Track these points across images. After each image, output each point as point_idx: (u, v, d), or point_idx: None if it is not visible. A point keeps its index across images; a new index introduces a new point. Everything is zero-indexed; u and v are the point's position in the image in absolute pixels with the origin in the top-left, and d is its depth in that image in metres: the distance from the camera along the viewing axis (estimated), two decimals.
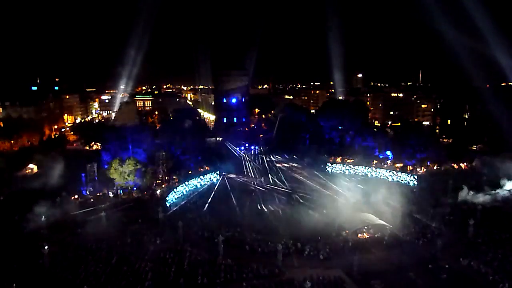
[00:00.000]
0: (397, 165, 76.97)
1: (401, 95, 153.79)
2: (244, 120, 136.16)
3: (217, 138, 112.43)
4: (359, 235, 47.92)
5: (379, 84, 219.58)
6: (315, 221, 51.86)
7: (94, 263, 40.27)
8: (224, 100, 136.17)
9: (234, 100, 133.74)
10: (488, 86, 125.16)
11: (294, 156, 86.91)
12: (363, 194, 61.58)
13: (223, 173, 73.52)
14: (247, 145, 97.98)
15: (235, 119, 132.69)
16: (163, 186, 67.00)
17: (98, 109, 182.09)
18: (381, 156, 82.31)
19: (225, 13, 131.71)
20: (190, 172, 73.06)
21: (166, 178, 69.63)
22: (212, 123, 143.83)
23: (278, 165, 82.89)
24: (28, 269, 38.98)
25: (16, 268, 38.99)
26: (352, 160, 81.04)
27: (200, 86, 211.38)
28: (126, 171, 63.33)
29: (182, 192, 64.38)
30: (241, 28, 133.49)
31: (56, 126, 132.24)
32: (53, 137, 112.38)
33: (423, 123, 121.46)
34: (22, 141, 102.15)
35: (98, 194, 62.71)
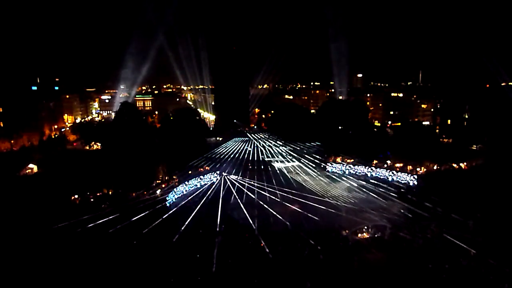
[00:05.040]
0: (397, 165, 77.00)
1: (401, 95, 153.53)
2: (244, 120, 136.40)
3: (217, 138, 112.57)
4: (359, 235, 47.97)
5: (379, 84, 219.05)
6: (315, 221, 51.90)
7: (94, 263, 40.31)
8: (224, 100, 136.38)
9: (234, 100, 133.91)
10: (488, 86, 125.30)
11: (294, 155, 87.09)
12: (362, 194, 61.71)
13: (223, 173, 73.63)
14: (247, 145, 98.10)
15: (235, 119, 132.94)
16: (163, 186, 67.02)
17: (98, 109, 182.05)
18: (381, 156, 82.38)
19: (226, 13, 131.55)
20: (190, 172, 73.13)
21: (166, 178, 69.66)
22: (212, 123, 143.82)
23: (277, 165, 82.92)
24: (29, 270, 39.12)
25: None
26: (352, 160, 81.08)
27: (200, 86, 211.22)
28: None
29: (182, 192, 64.52)
30: (242, 29, 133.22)
31: (56, 126, 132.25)
32: (53, 137, 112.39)
33: (423, 123, 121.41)
34: (22, 141, 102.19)
35: (98, 194, 62.72)
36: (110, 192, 62.98)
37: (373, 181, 69.68)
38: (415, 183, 67.58)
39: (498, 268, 38.97)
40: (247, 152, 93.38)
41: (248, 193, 64.76)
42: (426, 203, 56.76)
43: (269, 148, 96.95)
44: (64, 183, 63.61)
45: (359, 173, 75.04)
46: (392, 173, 71.55)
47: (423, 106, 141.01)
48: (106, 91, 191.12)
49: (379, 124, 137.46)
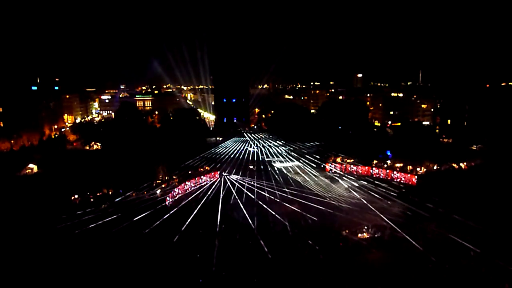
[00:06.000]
0: (397, 165, 77.04)
1: (401, 95, 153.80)
2: (244, 120, 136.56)
3: (217, 138, 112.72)
4: (359, 235, 47.98)
5: (379, 84, 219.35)
6: (314, 221, 51.92)
7: (96, 263, 40.34)
8: (224, 100, 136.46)
9: (234, 100, 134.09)
10: (488, 86, 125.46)
11: (294, 155, 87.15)
12: (363, 194, 61.65)
13: (223, 174, 73.73)
14: (247, 145, 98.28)
15: (235, 119, 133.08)
16: (163, 186, 67.02)
17: (98, 109, 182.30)
18: (381, 156, 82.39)
19: (226, 14, 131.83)
20: (190, 172, 73.18)
21: (166, 178, 69.68)
22: (212, 123, 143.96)
23: (277, 165, 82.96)
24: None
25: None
26: (352, 160, 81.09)
27: (200, 86, 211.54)
28: None
29: (182, 192, 64.52)
30: (242, 29, 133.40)
31: (56, 126, 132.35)
32: (53, 137, 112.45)
33: (423, 123, 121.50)
34: (22, 141, 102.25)
35: (98, 194, 62.69)
36: (110, 192, 62.96)
37: (373, 181, 69.73)
38: (415, 182, 67.62)
39: (498, 267, 38.97)
40: (247, 152, 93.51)
41: (248, 193, 64.73)
42: (427, 203, 56.77)
43: (269, 148, 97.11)
44: (64, 183, 63.71)
45: (359, 173, 75.08)
46: (392, 173, 71.65)
47: (423, 106, 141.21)
48: (106, 91, 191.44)
49: (379, 124, 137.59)
